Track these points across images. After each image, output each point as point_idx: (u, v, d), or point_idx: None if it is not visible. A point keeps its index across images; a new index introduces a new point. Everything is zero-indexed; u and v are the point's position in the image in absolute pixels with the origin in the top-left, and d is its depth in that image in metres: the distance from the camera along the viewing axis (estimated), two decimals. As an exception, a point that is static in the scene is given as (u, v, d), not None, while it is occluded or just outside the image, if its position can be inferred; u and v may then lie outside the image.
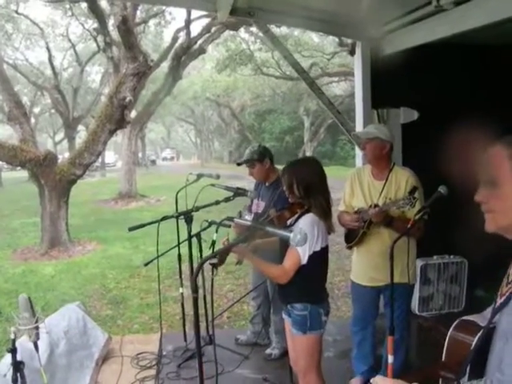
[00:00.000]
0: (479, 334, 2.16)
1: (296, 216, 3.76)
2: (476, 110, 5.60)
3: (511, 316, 1.77)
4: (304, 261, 3.55)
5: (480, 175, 1.94)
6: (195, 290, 2.58)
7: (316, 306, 3.70)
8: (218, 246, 3.25)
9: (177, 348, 5.82)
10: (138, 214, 18.04)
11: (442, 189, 3.71)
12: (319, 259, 3.65)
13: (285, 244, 3.54)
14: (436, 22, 4.96)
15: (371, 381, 2.10)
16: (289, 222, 3.81)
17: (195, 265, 4.87)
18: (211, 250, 3.27)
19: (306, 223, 3.54)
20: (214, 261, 2.97)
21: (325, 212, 3.65)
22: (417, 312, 5.85)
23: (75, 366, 4.95)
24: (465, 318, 2.50)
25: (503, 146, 1.86)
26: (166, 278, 9.78)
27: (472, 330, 2.32)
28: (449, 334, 2.47)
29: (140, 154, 50.06)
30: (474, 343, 2.21)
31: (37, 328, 3.19)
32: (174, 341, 6.00)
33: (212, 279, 2.99)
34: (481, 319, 2.36)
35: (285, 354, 5.09)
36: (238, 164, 5.60)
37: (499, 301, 1.90)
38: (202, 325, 5.76)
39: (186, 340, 5.86)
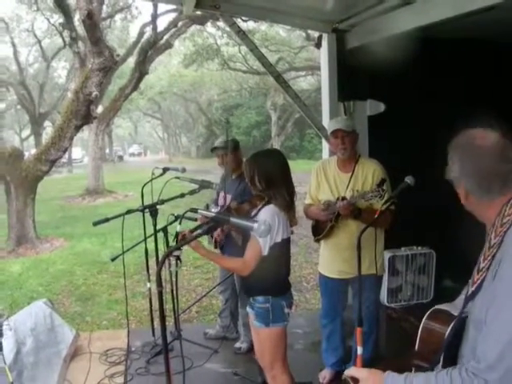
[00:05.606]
0: (452, 324, 2.17)
1: (257, 209, 3.76)
2: (442, 101, 5.65)
3: (483, 303, 1.79)
4: (265, 252, 3.52)
5: None
6: (160, 284, 2.55)
7: (278, 298, 3.70)
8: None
9: (145, 343, 5.79)
10: (106, 210, 17.82)
11: (408, 179, 3.70)
12: (280, 250, 3.64)
13: (248, 236, 3.56)
14: (402, 15, 4.97)
15: (345, 372, 2.10)
16: (252, 213, 3.81)
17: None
18: (175, 243, 3.26)
19: (267, 214, 3.51)
20: (178, 253, 2.96)
21: (286, 204, 3.63)
22: (386, 303, 5.86)
23: (43, 363, 4.86)
24: (438, 307, 2.49)
25: None
26: (134, 273, 9.74)
27: (445, 320, 2.31)
28: (422, 323, 2.46)
29: (107, 150, 49.82)
30: (447, 332, 2.21)
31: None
32: (142, 336, 5.97)
33: (176, 272, 2.97)
34: (453, 308, 2.36)
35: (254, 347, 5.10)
36: (214, 149, 5.56)
37: (471, 289, 1.93)
38: (171, 319, 5.74)
39: (154, 335, 5.83)
